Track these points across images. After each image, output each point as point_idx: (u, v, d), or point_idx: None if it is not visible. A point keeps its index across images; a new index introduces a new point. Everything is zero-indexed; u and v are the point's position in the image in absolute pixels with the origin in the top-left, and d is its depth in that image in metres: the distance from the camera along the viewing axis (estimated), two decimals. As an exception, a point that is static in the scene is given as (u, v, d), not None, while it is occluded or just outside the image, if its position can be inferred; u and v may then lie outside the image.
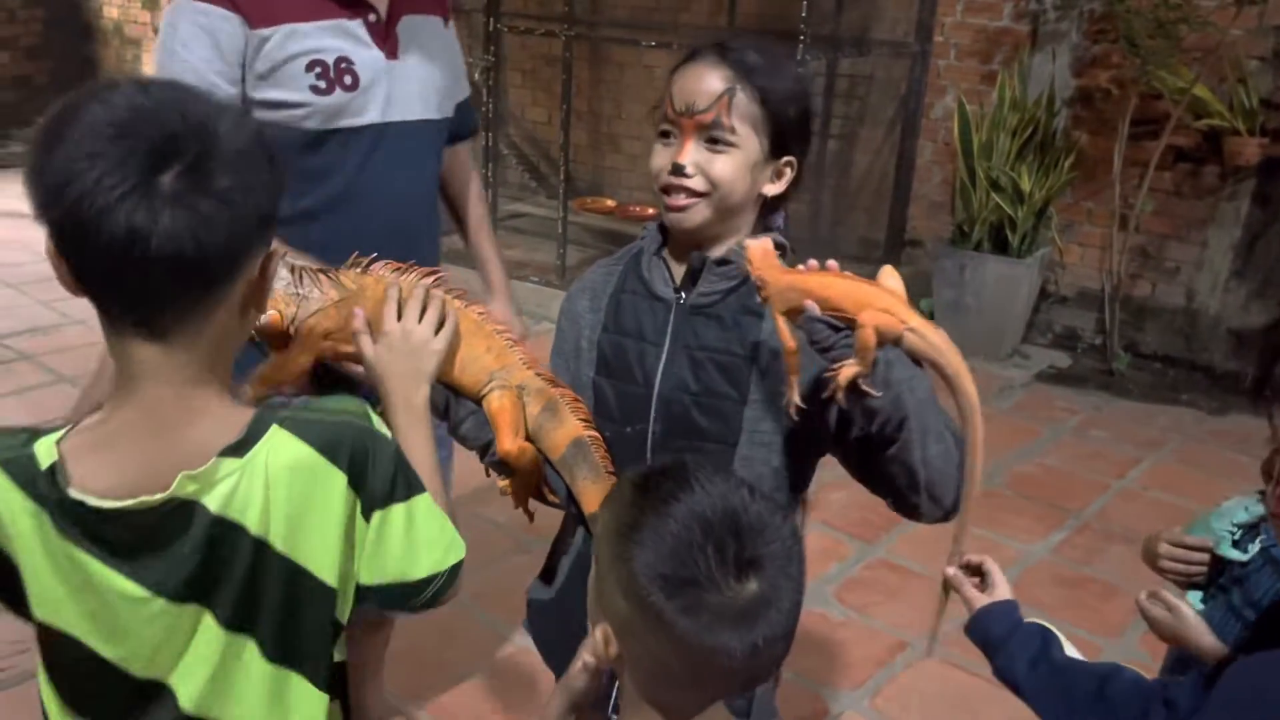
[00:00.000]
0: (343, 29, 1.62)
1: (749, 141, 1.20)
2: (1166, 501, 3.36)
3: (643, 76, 5.85)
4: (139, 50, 7.87)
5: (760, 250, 1.13)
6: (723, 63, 1.19)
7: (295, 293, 1.16)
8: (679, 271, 1.27)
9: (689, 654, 0.85)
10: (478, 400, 1.23)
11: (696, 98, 1.19)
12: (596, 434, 1.24)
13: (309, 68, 1.59)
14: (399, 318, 1.16)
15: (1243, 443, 3.89)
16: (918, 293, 5.03)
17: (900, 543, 3.03)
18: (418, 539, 1.00)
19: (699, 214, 1.22)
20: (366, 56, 1.64)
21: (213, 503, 0.91)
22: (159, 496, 0.89)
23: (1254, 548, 1.38)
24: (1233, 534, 1.42)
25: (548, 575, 1.40)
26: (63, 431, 0.92)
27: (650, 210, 5.86)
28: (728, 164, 1.20)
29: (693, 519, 0.86)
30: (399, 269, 1.21)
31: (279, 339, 1.18)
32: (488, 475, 1.32)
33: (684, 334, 1.25)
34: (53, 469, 0.89)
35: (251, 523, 0.92)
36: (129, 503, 0.88)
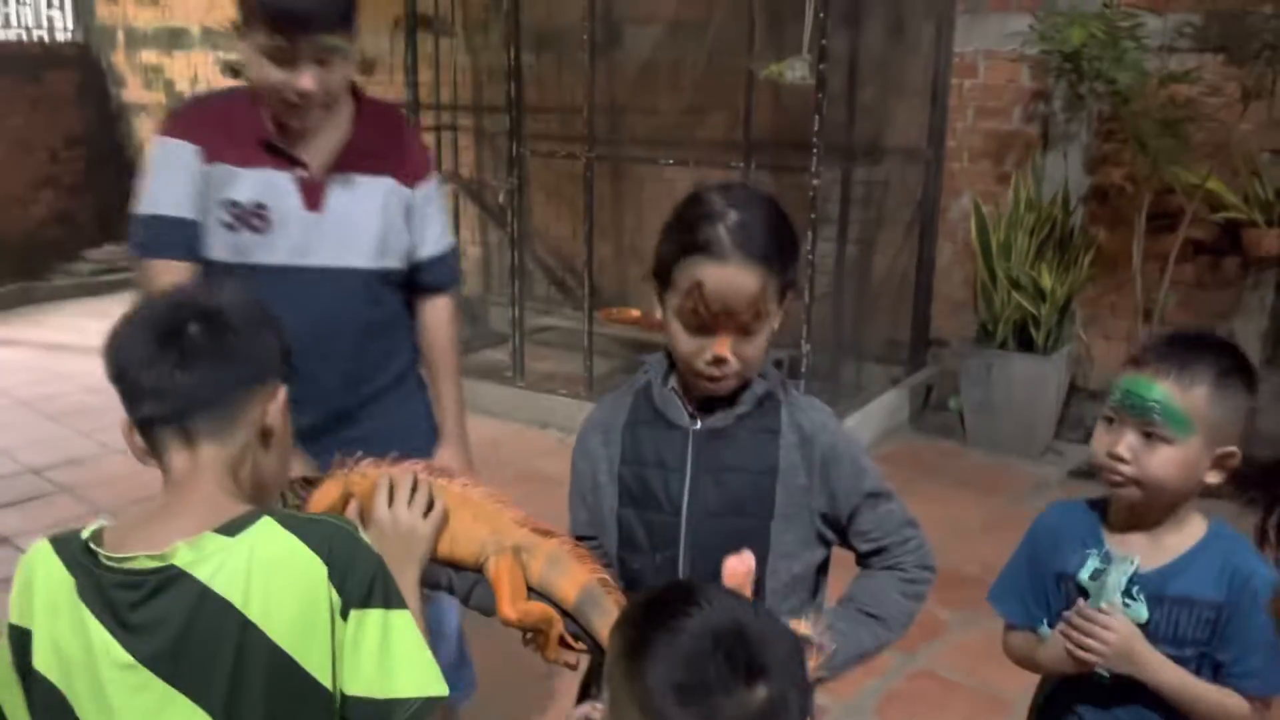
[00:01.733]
0: (268, 181, 1.81)
1: (773, 312, 1.25)
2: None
3: (663, 190, 5.99)
4: (177, 183, 8.17)
5: None
6: (751, 262, 1.20)
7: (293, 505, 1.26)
8: (689, 402, 1.30)
9: None
10: (478, 570, 1.26)
11: (733, 301, 1.20)
12: (604, 576, 1.26)
13: (227, 205, 1.81)
14: (389, 504, 1.24)
15: None
16: (946, 392, 5.04)
17: (944, 653, 2.97)
18: (394, 653, 1.06)
19: (732, 384, 1.27)
20: (285, 205, 1.82)
21: (202, 573, 1.03)
22: (156, 555, 1.03)
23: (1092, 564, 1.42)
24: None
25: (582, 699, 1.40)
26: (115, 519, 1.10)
27: (675, 319, 5.94)
28: (760, 343, 1.25)
29: (703, 631, 0.90)
30: (379, 463, 1.27)
31: None
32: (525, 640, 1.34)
33: (705, 458, 1.27)
34: (90, 538, 1.08)
35: (237, 600, 1.02)
36: (131, 558, 1.04)
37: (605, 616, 1.23)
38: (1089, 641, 1.35)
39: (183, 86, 7.94)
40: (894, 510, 1.36)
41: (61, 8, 8.23)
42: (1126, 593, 1.38)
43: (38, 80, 7.66)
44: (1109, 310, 4.75)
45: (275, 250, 1.82)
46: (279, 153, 1.80)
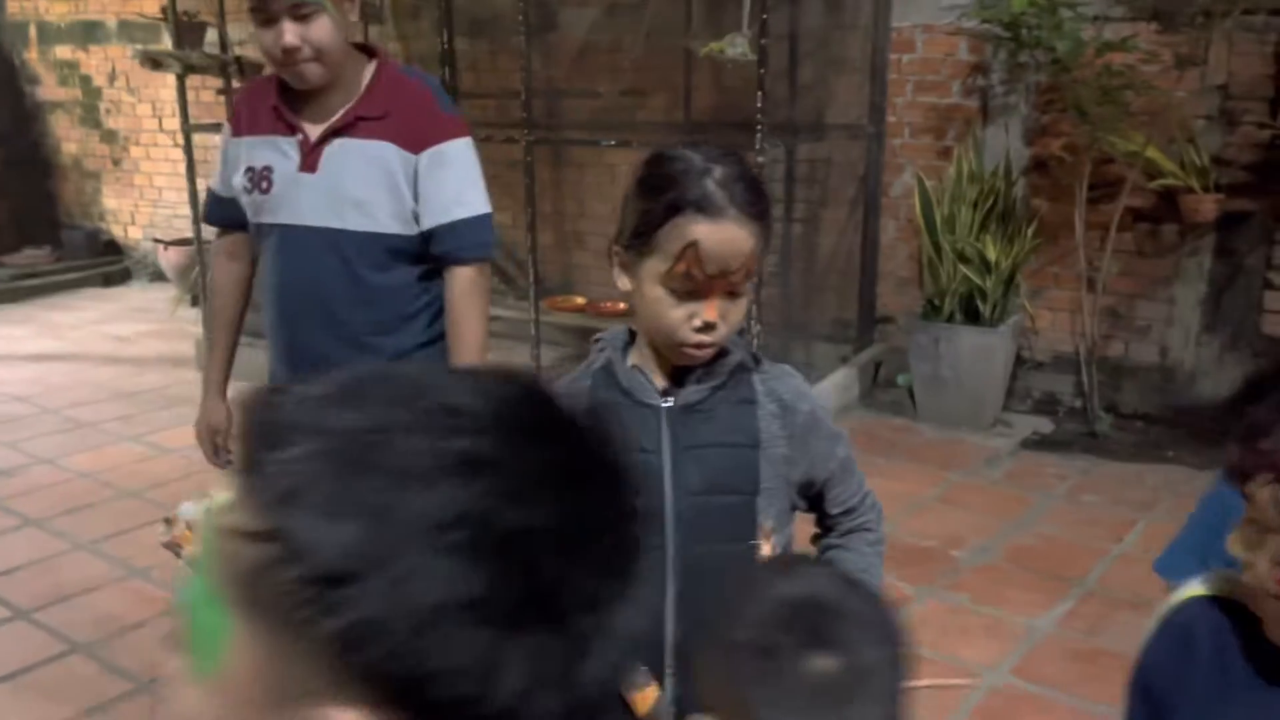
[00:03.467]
0: (275, 144, 1.97)
1: (754, 274, 1.20)
2: (1168, 563, 3.31)
3: (605, 175, 5.91)
4: (99, 183, 7.89)
5: None
6: (745, 219, 1.14)
7: None
8: (657, 377, 1.23)
9: None
10: None
11: (730, 260, 1.14)
12: None
13: (245, 171, 1.99)
14: None
15: (1234, 496, 3.87)
16: (895, 368, 5.03)
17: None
18: None
19: (712, 352, 1.21)
20: (285, 167, 1.95)
21: None
22: None
23: None
24: None
25: None
26: None
27: (621, 305, 5.87)
28: (743, 306, 1.20)
29: (782, 598, 0.89)
30: None
31: None
32: None
33: (682, 435, 1.20)
34: None
35: None
36: None
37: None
38: None
39: (100, 82, 7.67)
40: (856, 469, 1.35)
41: (-32, 3, 7.89)
42: None
43: (-54, 79, 7.35)
44: (1052, 281, 4.78)
45: (278, 210, 1.96)
46: (284, 118, 1.95)
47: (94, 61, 7.65)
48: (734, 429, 1.22)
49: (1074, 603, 3.08)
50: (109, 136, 7.73)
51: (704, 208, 1.12)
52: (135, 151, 7.64)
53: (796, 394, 1.26)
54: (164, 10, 5.19)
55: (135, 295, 7.38)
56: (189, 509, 1.19)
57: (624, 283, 1.20)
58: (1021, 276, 4.59)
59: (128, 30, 7.35)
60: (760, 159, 3.99)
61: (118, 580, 3.22)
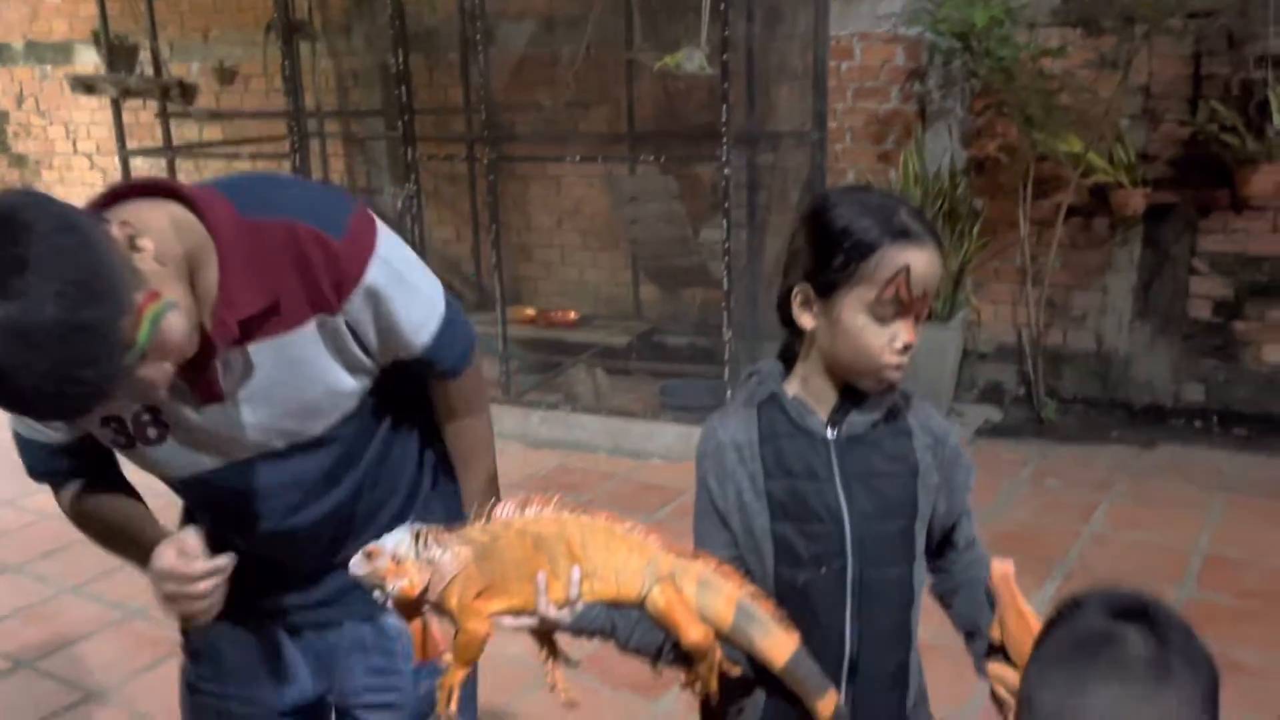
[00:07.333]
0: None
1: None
2: (1138, 541, 3.53)
3: (549, 186, 5.96)
4: None
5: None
6: (936, 245, 1.23)
7: (426, 558, 1.13)
8: (821, 408, 1.31)
9: None
10: (638, 605, 1.21)
11: (930, 283, 1.22)
12: (753, 588, 1.24)
13: (103, 423, 1.31)
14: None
15: (1183, 472, 4.13)
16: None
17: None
18: None
19: (902, 374, 1.27)
20: (175, 404, 1.29)
21: None
22: None
23: None
24: None
25: None
26: None
27: (571, 314, 5.91)
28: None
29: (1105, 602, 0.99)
30: (524, 503, 1.19)
31: (412, 609, 1.16)
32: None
33: (850, 465, 1.28)
34: None
35: None
36: None
37: (762, 628, 1.22)
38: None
39: (5, 105, 7.37)
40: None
41: None
42: None
43: None
44: (993, 275, 5.00)
45: (181, 460, 1.35)
46: None
47: (0, 83, 7.35)
48: (895, 458, 1.30)
49: (1060, 581, 3.27)
50: (18, 161, 7.44)
51: (910, 236, 1.21)
52: (48, 175, 7.36)
53: (944, 427, 1.35)
54: (95, 34, 5.03)
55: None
56: (393, 539, 1.14)
57: (806, 320, 1.27)
58: (967, 272, 4.80)
59: (35, 51, 7.08)
60: (727, 170, 4.09)
61: (117, 623, 3.15)
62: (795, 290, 1.27)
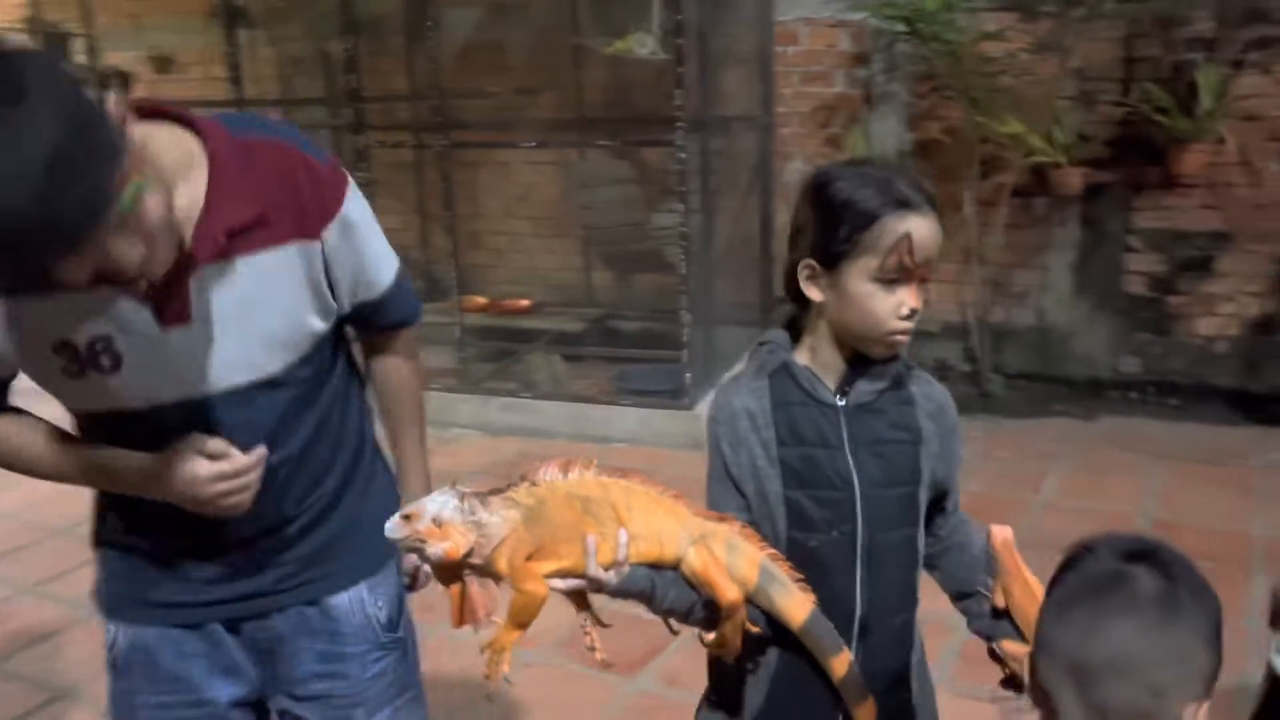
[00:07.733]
0: (97, 303, 1.24)
1: None
2: (1086, 509, 3.67)
3: (497, 173, 5.94)
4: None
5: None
6: (933, 213, 1.29)
7: (472, 521, 1.13)
8: (829, 378, 1.36)
9: None
10: (674, 567, 1.25)
11: (931, 249, 1.28)
12: (773, 550, 1.29)
13: (55, 350, 1.28)
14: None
15: (1124, 442, 4.29)
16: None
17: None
18: None
19: (908, 339, 1.32)
20: (135, 329, 1.26)
21: None
22: None
23: None
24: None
25: (729, 705, 1.40)
26: None
27: (523, 302, 5.91)
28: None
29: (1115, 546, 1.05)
30: (567, 466, 1.20)
31: (452, 573, 1.16)
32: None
33: (859, 433, 1.33)
34: None
35: None
36: None
37: (783, 588, 1.27)
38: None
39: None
40: None
41: None
42: None
43: None
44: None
45: (139, 389, 1.32)
46: None
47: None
48: (900, 426, 1.35)
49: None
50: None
51: (909, 205, 1.27)
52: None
53: (944, 395, 1.41)
54: (27, 21, 4.90)
55: None
56: (436, 502, 1.12)
57: (814, 293, 1.31)
58: (913, 253, 4.90)
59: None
60: (682, 155, 4.13)
61: (80, 622, 3.10)
62: (802, 264, 1.31)
